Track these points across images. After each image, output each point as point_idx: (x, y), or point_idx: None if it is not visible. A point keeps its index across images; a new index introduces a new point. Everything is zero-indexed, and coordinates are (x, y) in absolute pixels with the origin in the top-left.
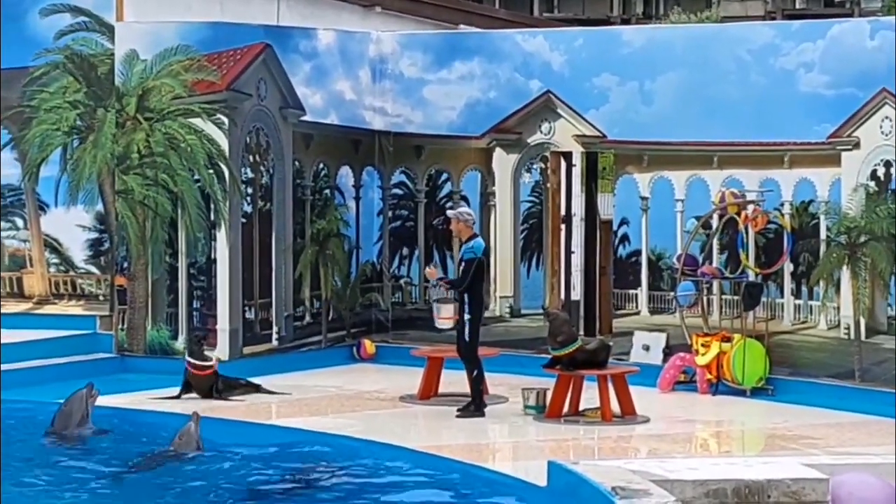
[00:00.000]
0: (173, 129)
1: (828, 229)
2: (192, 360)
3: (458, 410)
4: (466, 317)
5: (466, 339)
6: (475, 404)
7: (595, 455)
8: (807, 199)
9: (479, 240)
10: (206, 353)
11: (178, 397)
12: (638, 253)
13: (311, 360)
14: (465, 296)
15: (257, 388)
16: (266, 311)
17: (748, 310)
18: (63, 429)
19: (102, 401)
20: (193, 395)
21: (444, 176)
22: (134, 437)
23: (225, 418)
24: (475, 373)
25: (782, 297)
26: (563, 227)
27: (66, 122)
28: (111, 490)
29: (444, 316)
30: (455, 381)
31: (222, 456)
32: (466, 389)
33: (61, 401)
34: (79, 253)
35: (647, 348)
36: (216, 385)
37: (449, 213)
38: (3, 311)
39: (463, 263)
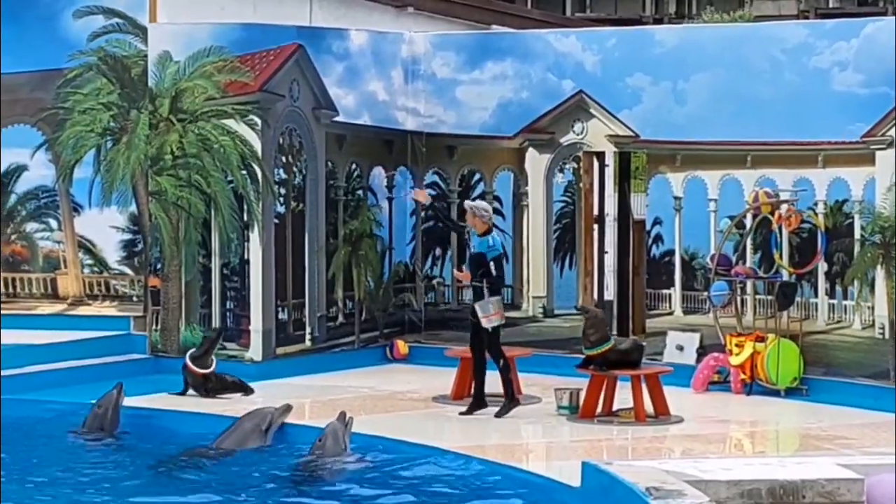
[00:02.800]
0: (206, 131)
1: (862, 229)
2: (188, 363)
3: (497, 412)
4: None
5: (490, 332)
6: (509, 397)
7: (629, 455)
8: (841, 199)
9: (497, 234)
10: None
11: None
12: (671, 253)
13: (343, 360)
14: (487, 291)
15: (245, 389)
16: (299, 311)
17: (782, 310)
18: (95, 429)
19: (136, 401)
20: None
21: (477, 176)
22: (160, 438)
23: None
24: (501, 363)
25: (816, 296)
26: (595, 227)
27: (99, 123)
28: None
29: (493, 313)
30: (488, 381)
31: (252, 454)
32: (499, 389)
33: (93, 402)
34: (112, 254)
35: (680, 348)
36: (207, 385)
37: (466, 203)
38: (37, 312)
39: (492, 262)
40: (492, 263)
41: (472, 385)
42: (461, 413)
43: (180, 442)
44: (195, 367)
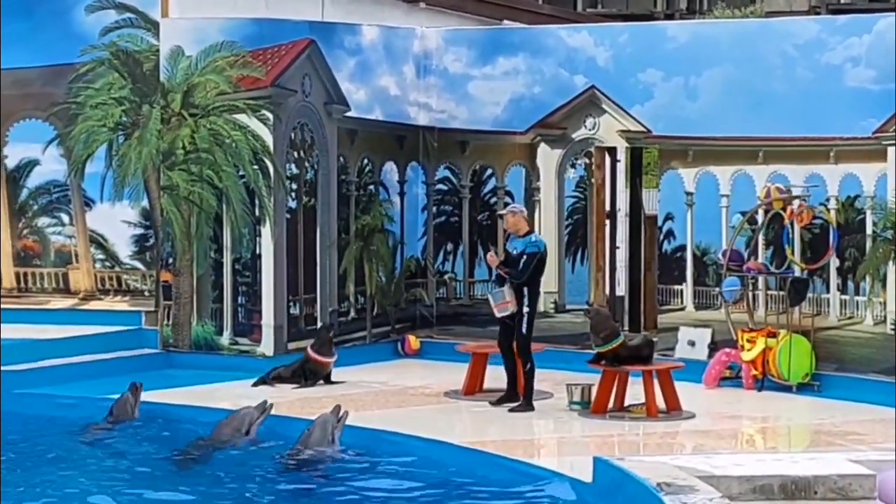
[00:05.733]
0: (218, 125)
1: (874, 224)
2: (313, 354)
3: (510, 408)
4: (525, 310)
5: (524, 332)
6: (527, 399)
7: (640, 451)
8: (853, 194)
9: (539, 236)
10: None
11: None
12: (683, 248)
13: (355, 355)
14: (525, 289)
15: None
16: (311, 306)
17: (794, 305)
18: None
19: (148, 396)
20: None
21: (489, 171)
22: (177, 432)
23: (272, 413)
24: (528, 366)
25: (828, 292)
26: (607, 222)
27: (111, 118)
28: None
29: (503, 302)
30: (500, 376)
31: (267, 448)
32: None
33: (106, 396)
34: (124, 249)
35: (692, 344)
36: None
37: (506, 209)
38: (49, 306)
39: (525, 256)
40: (524, 258)
41: (523, 382)
42: (491, 403)
43: (187, 437)
44: (322, 357)
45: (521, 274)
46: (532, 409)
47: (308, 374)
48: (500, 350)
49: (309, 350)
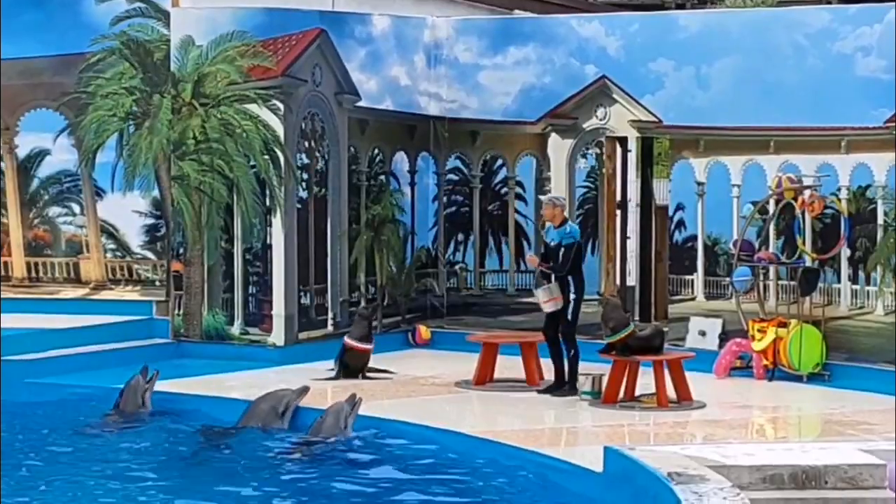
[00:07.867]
0: (229, 115)
1: (885, 214)
2: (352, 343)
3: (553, 393)
4: (572, 296)
5: (569, 319)
6: (570, 383)
7: (651, 441)
8: (864, 184)
9: (573, 224)
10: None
11: (336, 378)
12: (694, 238)
13: None
14: (570, 278)
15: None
16: (321, 296)
17: (805, 295)
18: (124, 409)
19: (159, 385)
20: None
21: (500, 161)
22: (186, 421)
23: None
24: (573, 352)
25: (839, 282)
26: (618, 212)
27: (122, 107)
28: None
29: (549, 298)
30: (510, 366)
31: (273, 439)
32: (522, 375)
33: (116, 386)
34: (135, 238)
35: (703, 334)
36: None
37: (542, 198)
38: (60, 296)
39: (563, 249)
40: (563, 250)
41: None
42: (539, 391)
43: (201, 425)
44: (362, 344)
45: (562, 267)
46: (575, 393)
47: (344, 365)
48: (546, 340)
49: (346, 339)
